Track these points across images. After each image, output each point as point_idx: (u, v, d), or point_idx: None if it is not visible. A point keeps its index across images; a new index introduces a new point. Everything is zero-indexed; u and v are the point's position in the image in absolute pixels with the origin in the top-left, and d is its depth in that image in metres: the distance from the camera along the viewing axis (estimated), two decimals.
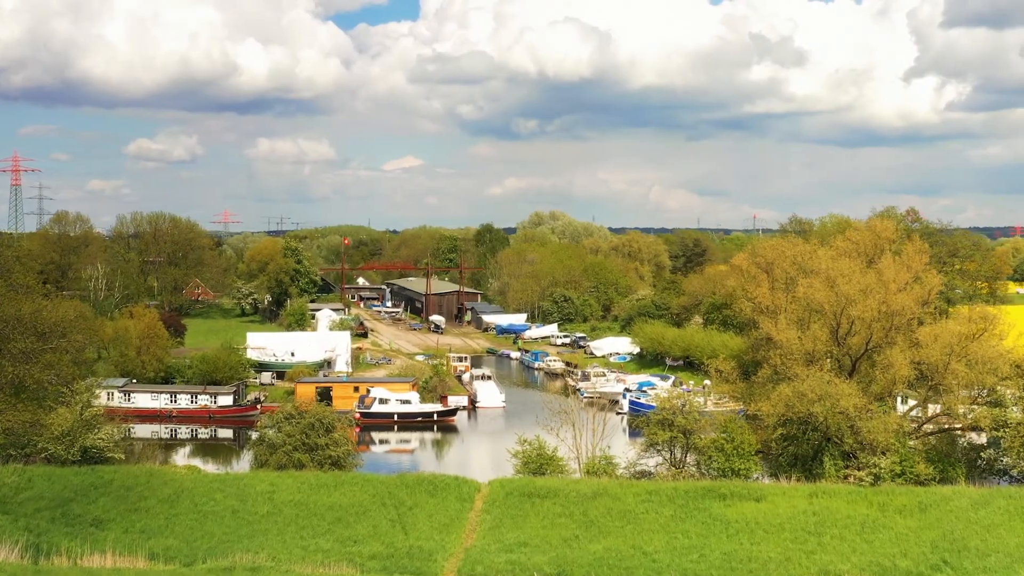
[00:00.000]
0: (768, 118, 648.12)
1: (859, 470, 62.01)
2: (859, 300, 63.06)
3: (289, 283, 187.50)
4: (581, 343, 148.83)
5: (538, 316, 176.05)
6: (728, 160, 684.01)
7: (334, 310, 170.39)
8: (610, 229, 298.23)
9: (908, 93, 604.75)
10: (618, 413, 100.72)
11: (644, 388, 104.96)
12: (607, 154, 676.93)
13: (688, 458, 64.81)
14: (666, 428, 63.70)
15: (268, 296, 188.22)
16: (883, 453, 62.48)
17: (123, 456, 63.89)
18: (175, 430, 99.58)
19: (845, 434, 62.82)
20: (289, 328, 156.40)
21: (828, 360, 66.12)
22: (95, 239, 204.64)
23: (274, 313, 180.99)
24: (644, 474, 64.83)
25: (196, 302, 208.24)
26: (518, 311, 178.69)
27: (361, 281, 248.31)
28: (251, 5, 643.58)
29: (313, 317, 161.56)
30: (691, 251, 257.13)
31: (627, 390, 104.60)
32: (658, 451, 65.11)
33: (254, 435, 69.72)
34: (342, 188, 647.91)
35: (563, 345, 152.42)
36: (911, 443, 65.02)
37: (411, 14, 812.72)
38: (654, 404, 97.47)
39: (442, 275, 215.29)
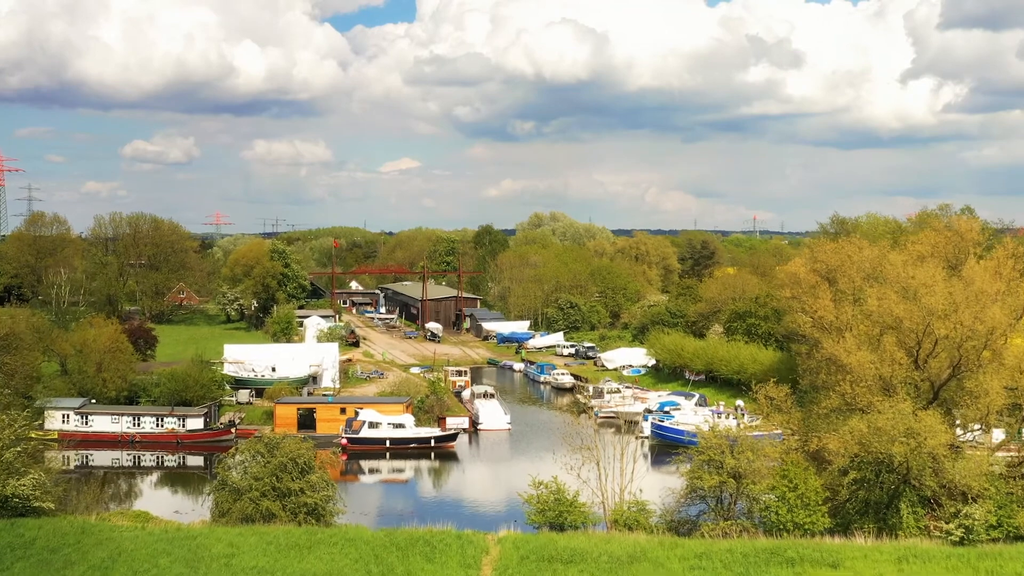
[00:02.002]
0: (765, 120, 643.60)
1: (945, 521, 51.19)
2: (947, 315, 51.98)
3: (276, 288, 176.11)
4: (590, 354, 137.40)
5: (542, 323, 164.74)
6: (724, 162, 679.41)
7: (323, 317, 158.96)
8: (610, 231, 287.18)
9: (905, 95, 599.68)
10: (638, 437, 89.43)
11: (667, 408, 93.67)
12: (603, 156, 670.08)
13: (737, 503, 53.95)
14: (713, 471, 52.63)
15: (254, 302, 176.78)
16: (974, 500, 51.59)
17: (53, 505, 52.51)
18: (138, 457, 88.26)
19: (926, 476, 51.89)
20: (275, 337, 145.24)
21: (903, 386, 55.06)
22: (72, 241, 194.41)
23: (260, 320, 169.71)
24: (685, 525, 53.79)
25: (179, 307, 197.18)
26: (520, 318, 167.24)
27: (354, 285, 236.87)
28: (247, 7, 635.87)
29: (301, 325, 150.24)
30: (699, 253, 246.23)
31: (648, 411, 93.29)
32: (702, 497, 54.13)
33: (230, 463, 58.09)
34: (338, 190, 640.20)
35: (569, 355, 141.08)
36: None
37: (407, 16, 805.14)
38: (683, 429, 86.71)
39: (439, 279, 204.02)
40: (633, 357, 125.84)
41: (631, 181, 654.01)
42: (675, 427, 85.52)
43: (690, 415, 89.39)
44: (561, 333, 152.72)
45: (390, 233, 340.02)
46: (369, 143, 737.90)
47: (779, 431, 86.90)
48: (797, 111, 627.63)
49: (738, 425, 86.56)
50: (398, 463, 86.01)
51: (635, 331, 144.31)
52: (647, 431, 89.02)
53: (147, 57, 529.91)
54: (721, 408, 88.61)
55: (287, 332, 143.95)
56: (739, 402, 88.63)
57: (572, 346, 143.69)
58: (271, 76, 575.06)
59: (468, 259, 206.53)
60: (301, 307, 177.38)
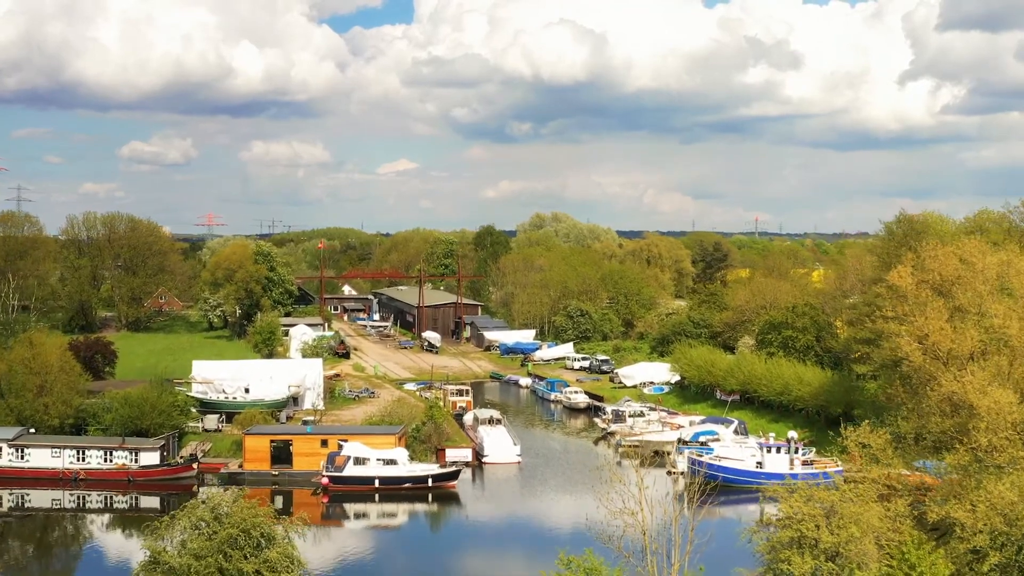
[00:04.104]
0: (763, 121, 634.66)
1: None
2: None
3: (261, 293, 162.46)
4: (604, 368, 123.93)
5: (549, 333, 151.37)
6: (722, 163, 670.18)
7: (311, 325, 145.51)
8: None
9: (903, 96, 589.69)
10: (671, 473, 76.23)
11: (703, 438, 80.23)
12: (601, 157, 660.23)
13: None
14: (806, 552, 39.49)
15: (237, 308, 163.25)
16: None
17: None
18: (82, 498, 74.94)
19: None
20: (256, 348, 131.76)
21: None
22: (44, 242, 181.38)
23: (244, 328, 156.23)
24: None
25: (158, 313, 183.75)
26: (525, 326, 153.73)
27: (347, 290, 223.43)
28: (245, 7, 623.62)
29: (286, 334, 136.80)
30: (711, 255, 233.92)
31: (682, 442, 79.91)
32: None
33: (164, 532, 44.87)
34: (336, 191, 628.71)
35: (581, 369, 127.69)
36: None
37: (405, 17, 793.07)
38: (741, 468, 73.42)
39: (437, 283, 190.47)
40: (655, 373, 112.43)
41: (629, 182, 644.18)
42: (726, 464, 71.91)
43: (734, 448, 76.19)
44: (571, 344, 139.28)
45: (387, 234, 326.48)
46: (367, 144, 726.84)
47: (837, 467, 73.78)
48: (795, 112, 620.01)
49: (792, 462, 73.59)
50: (389, 506, 72.65)
51: (654, 342, 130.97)
52: (682, 466, 75.58)
53: (145, 58, 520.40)
54: (772, 440, 75.20)
55: (270, 343, 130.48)
56: (791, 433, 75.27)
57: (584, 358, 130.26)
58: (269, 77, 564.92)
59: (468, 262, 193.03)
60: (287, 314, 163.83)
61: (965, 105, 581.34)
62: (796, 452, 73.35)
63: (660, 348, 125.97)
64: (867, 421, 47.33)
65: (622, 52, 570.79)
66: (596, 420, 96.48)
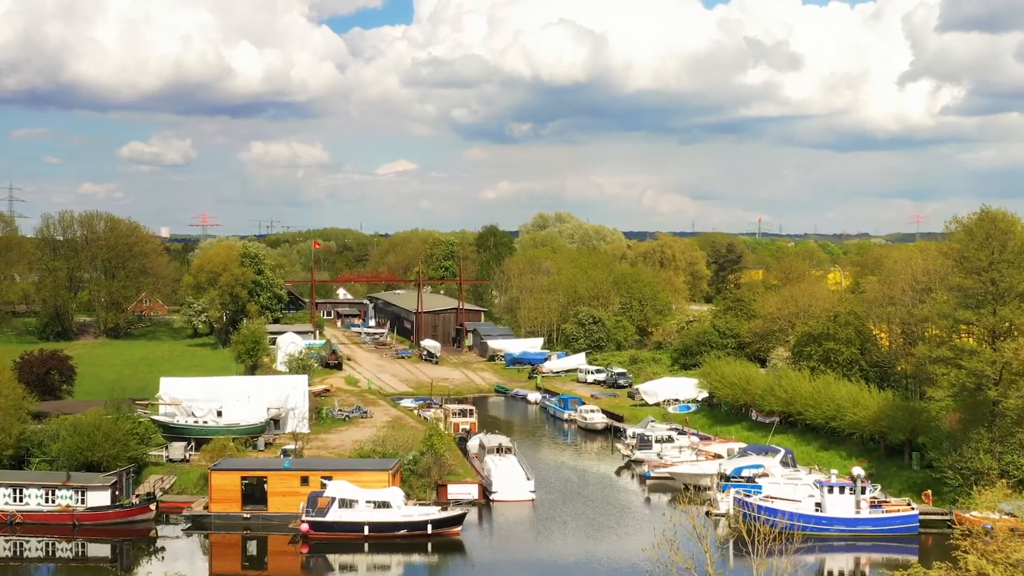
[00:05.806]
0: (762, 122, 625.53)
1: None
2: None
3: (247, 298, 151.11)
4: (621, 381, 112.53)
5: (557, 341, 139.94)
6: (722, 164, 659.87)
7: (300, 333, 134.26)
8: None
9: (902, 97, 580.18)
10: (711, 514, 64.79)
11: (746, 472, 68.86)
12: (601, 157, 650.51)
13: None
14: None
15: (223, 314, 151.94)
16: None
17: None
18: (20, 545, 63.59)
19: None
20: (239, 359, 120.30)
21: None
22: (18, 243, 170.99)
23: (230, 335, 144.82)
24: None
25: (139, 319, 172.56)
26: (532, 334, 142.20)
27: (342, 294, 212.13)
28: (245, 8, 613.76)
29: (273, 343, 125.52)
30: (724, 257, 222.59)
31: (724, 477, 68.52)
32: None
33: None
34: (335, 191, 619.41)
35: (595, 383, 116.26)
36: None
37: (405, 18, 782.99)
38: (789, 509, 61.64)
39: (436, 287, 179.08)
40: (680, 389, 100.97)
41: (628, 183, 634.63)
42: (779, 507, 60.14)
43: (786, 486, 64.68)
44: (583, 354, 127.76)
45: (385, 235, 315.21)
46: (366, 145, 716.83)
47: (913, 511, 62.66)
48: (795, 113, 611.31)
49: (858, 504, 62.31)
50: (381, 557, 61.20)
51: (675, 353, 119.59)
52: (726, 506, 64.16)
53: (144, 58, 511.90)
54: (834, 479, 63.59)
55: (254, 353, 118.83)
56: (856, 470, 63.78)
57: (599, 371, 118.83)
58: (268, 78, 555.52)
59: (469, 264, 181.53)
60: (276, 321, 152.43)
61: (965, 106, 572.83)
62: (863, 492, 62.04)
63: (682, 360, 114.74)
64: (1003, 479, 35.96)
65: (622, 53, 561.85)
66: (618, 445, 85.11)
